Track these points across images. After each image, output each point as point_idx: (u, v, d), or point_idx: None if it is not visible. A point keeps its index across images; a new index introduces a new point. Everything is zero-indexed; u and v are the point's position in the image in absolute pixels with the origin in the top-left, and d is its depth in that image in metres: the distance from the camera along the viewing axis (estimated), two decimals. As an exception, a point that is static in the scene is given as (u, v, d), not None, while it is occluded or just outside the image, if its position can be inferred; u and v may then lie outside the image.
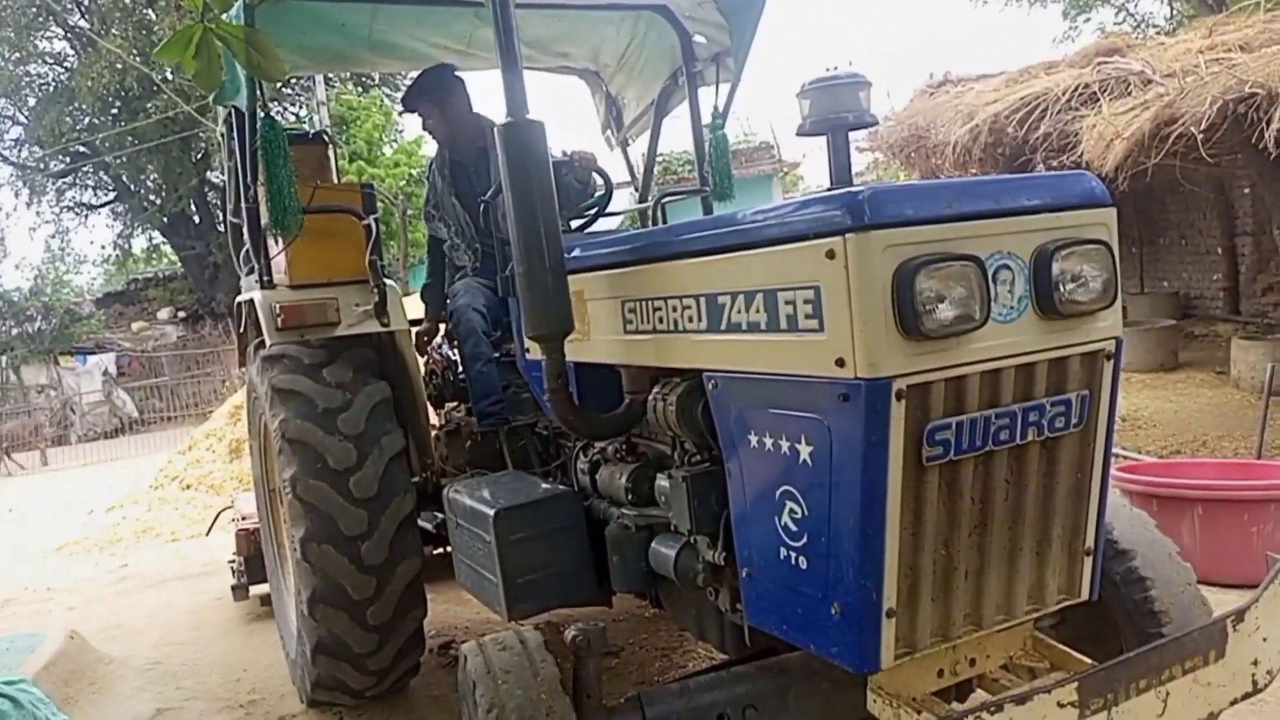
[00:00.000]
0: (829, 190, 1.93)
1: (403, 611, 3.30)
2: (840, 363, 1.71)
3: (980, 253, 1.73)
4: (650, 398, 2.39)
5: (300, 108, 19.59)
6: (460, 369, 3.93)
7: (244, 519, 5.12)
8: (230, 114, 3.92)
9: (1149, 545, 2.45)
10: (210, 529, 6.91)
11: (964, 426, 1.76)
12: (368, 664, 3.31)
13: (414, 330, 4.09)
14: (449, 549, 3.34)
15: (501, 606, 2.66)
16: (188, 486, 9.04)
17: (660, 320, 2.25)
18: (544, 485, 2.95)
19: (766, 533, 1.99)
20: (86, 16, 18.89)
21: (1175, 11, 17.73)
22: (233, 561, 5.17)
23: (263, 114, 3.37)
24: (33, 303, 22.12)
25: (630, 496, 2.58)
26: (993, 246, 1.76)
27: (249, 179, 3.64)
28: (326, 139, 4.47)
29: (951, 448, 1.76)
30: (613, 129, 4.81)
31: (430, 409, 3.94)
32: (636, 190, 4.75)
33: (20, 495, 12.45)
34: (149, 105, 17.41)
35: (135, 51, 16.73)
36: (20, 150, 20.66)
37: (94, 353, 21.57)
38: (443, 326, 4.27)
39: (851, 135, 2.27)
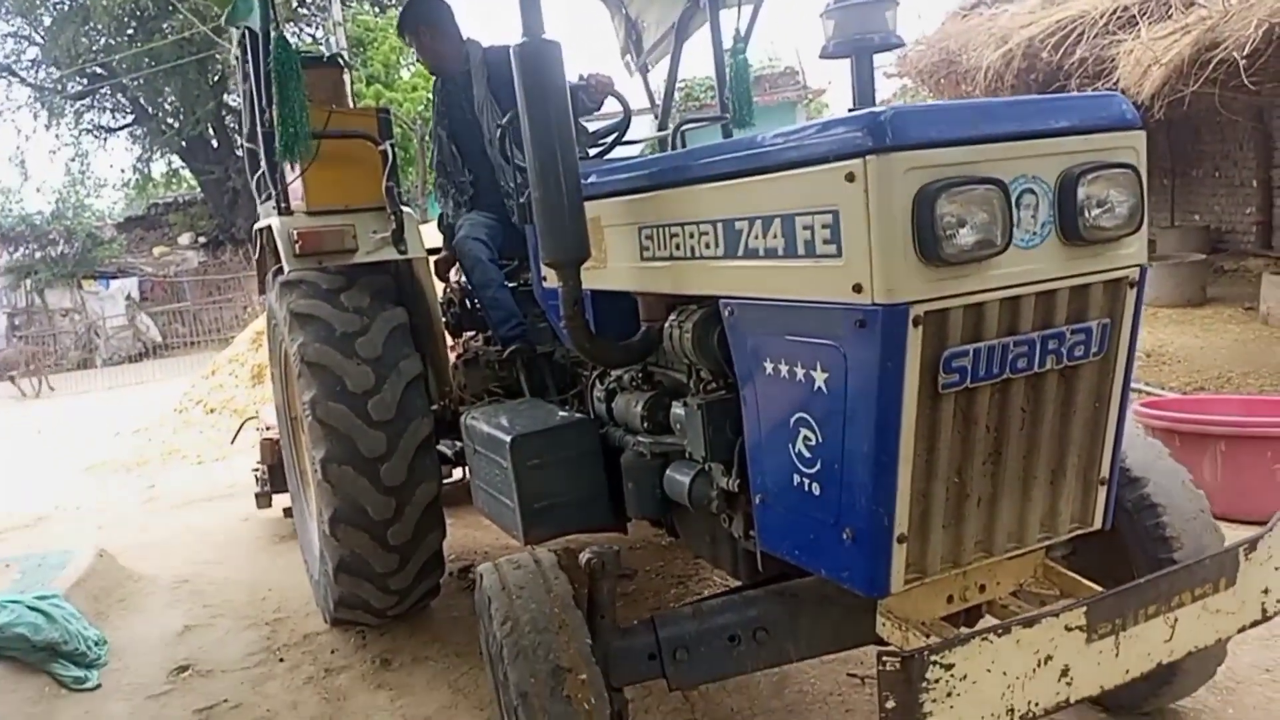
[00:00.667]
0: (851, 113, 1.86)
1: (423, 532, 3.35)
2: (858, 288, 1.69)
3: (1004, 176, 1.70)
4: (666, 325, 2.39)
5: (317, 29, 19.28)
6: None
7: (268, 429, 5.21)
8: (244, 35, 3.87)
9: (1162, 473, 2.44)
10: (235, 438, 6.98)
11: (981, 354, 1.75)
12: (389, 583, 3.37)
13: (432, 259, 4.08)
14: (467, 475, 3.38)
15: (518, 531, 2.71)
16: (211, 410, 9.15)
17: (677, 246, 2.23)
18: (561, 413, 2.97)
19: (780, 459, 2.00)
20: (100, -67, 18.56)
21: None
22: (256, 470, 5.28)
23: (276, 34, 3.32)
24: (55, 226, 22.19)
25: (645, 424, 2.59)
26: (1017, 170, 1.72)
27: (264, 103, 3.58)
28: (342, 62, 4.40)
29: (968, 375, 1.75)
30: (632, 54, 4.72)
31: (449, 337, 3.96)
32: (656, 117, 4.67)
33: (49, 417, 12.67)
34: (165, 25, 17.20)
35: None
36: (37, 71, 20.50)
37: (116, 277, 21.71)
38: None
39: (878, 60, 2.20)
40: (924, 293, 1.67)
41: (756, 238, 1.94)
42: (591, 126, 3.86)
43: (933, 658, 1.59)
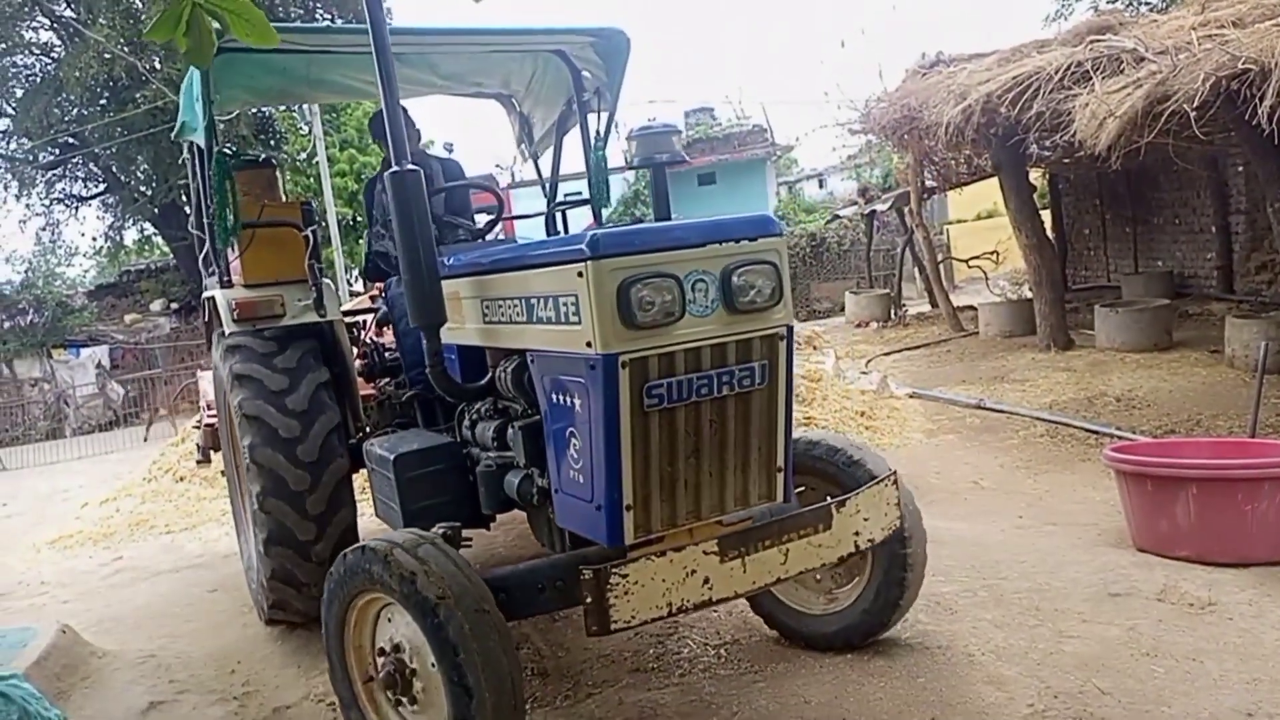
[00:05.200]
0: (590, 229, 2.87)
1: (341, 549, 3.89)
2: (589, 344, 2.55)
3: (679, 272, 2.57)
4: (499, 370, 3.25)
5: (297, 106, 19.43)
6: (388, 350, 4.76)
7: (209, 409, 6.10)
8: (191, 145, 4.70)
9: (858, 443, 3.58)
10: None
11: (673, 385, 2.61)
12: (311, 591, 4.00)
13: (347, 320, 4.92)
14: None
15: (401, 527, 3.32)
16: (181, 479, 9.01)
17: (502, 314, 3.11)
18: (436, 438, 3.80)
19: (563, 461, 2.86)
20: (73, 6, 18.65)
21: (1168, -11, 17.62)
22: (199, 443, 6.52)
23: (216, 150, 4.08)
24: (24, 296, 21.97)
25: (495, 443, 3.39)
26: (690, 267, 2.60)
27: (207, 199, 4.36)
28: (274, 163, 5.29)
29: (665, 399, 2.60)
30: (525, 143, 5.70)
31: (364, 383, 4.77)
32: (545, 193, 5.56)
33: (14, 489, 12.41)
34: (137, 95, 17.21)
35: (123, 41, 16.55)
36: (9, 142, 20.43)
37: (87, 345, 21.46)
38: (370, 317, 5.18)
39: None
40: (627, 346, 2.53)
41: (542, 309, 2.81)
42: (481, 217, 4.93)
43: (613, 569, 2.50)
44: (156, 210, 19.86)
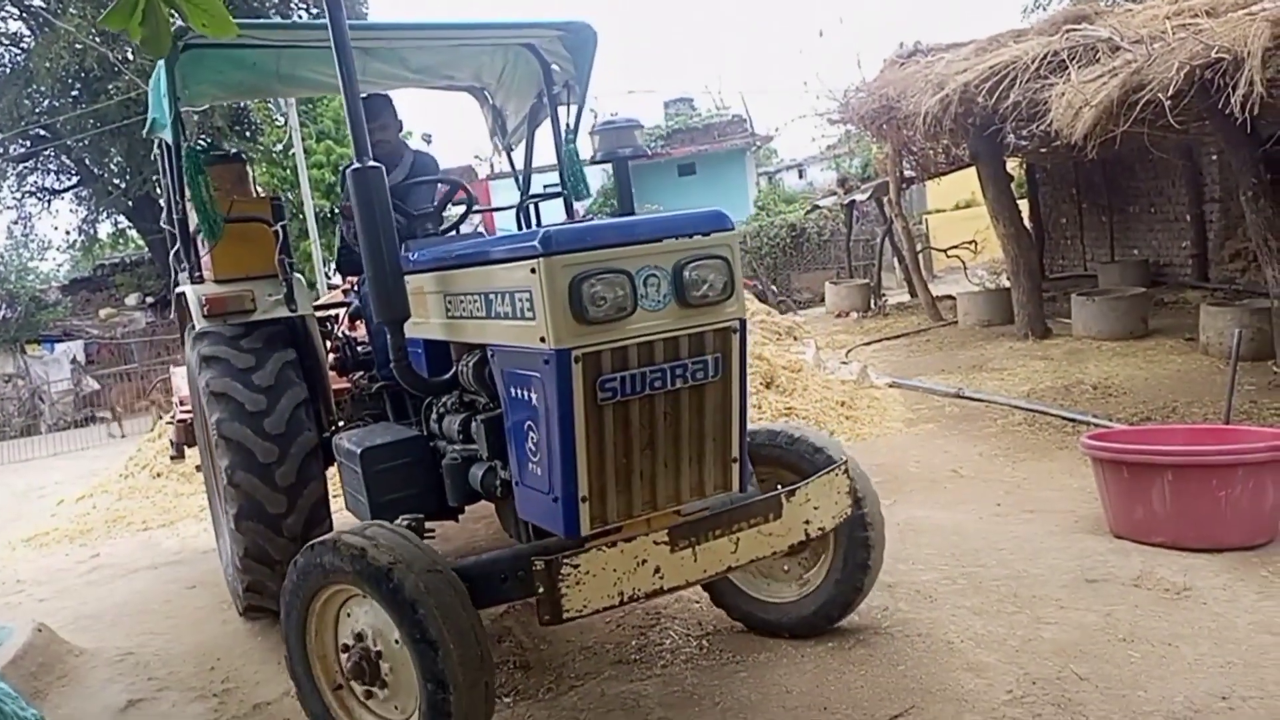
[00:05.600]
0: (561, 223, 3.08)
1: (313, 524, 4.06)
2: (543, 339, 2.60)
3: (630, 268, 2.61)
4: (461, 364, 3.26)
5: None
6: (359, 346, 4.79)
7: (183, 405, 6.02)
8: (160, 141, 4.69)
9: (810, 431, 3.64)
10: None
11: (626, 379, 2.64)
12: (283, 568, 3.93)
13: (320, 314, 4.94)
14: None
15: (369, 519, 3.30)
16: (158, 475, 8.92)
17: (463, 309, 3.14)
18: (403, 431, 3.83)
19: (522, 454, 2.90)
20: (42, -4, 18.39)
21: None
22: (172, 439, 6.39)
23: (186, 147, 4.12)
24: (-4, 290, 21.69)
25: (460, 436, 3.40)
26: (641, 263, 2.64)
27: (178, 195, 4.45)
28: (244, 158, 5.19)
29: (618, 393, 2.63)
30: (499, 136, 5.72)
31: (338, 376, 4.73)
32: (519, 185, 5.54)
33: (-11, 486, 12.25)
34: (110, 87, 16.96)
35: (94, 31, 16.30)
36: (-22, 135, 20.15)
37: (61, 340, 21.22)
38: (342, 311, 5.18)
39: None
40: (580, 341, 2.57)
41: (500, 304, 2.85)
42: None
43: (564, 560, 2.54)
44: (130, 203, 19.61)
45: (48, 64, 16.76)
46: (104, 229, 22.74)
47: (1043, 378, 8.51)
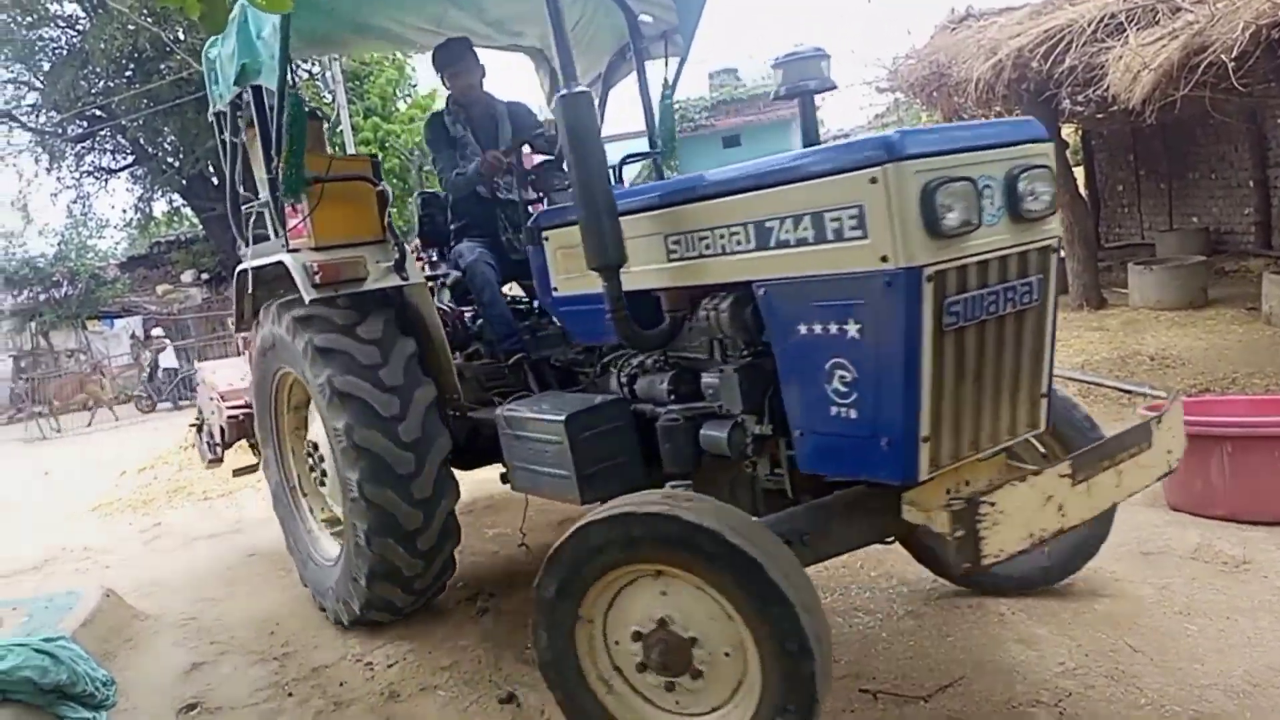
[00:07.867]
0: (843, 139, 2.45)
1: (446, 537, 3.83)
2: (884, 259, 2.28)
3: (973, 175, 2.33)
4: (702, 309, 2.92)
5: (313, 64, 19.41)
6: (470, 317, 4.46)
7: (223, 398, 5.74)
8: (246, 92, 4.16)
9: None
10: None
11: (968, 301, 2.37)
12: (414, 584, 3.87)
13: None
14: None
15: (576, 494, 3.14)
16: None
17: (707, 247, 2.77)
18: (590, 397, 3.40)
19: (818, 398, 2.53)
20: (96, -22, 18.73)
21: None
22: (209, 440, 6.05)
23: (291, 93, 3.71)
24: (58, 268, 22.29)
25: (672, 396, 3.12)
26: (980, 171, 2.35)
27: (274, 151, 3.92)
28: (320, 115, 4.81)
29: (960, 318, 2.35)
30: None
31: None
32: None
33: (57, 458, 12.69)
34: (162, 66, 17.29)
35: (146, 12, 16.59)
36: (37, 116, 20.61)
37: (120, 316, 21.78)
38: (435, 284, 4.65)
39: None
40: (932, 258, 2.27)
41: (787, 231, 2.51)
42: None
43: (983, 499, 2.22)
44: (184, 181, 19.99)
45: (102, 45, 17.11)
46: (159, 207, 23.21)
47: (1098, 348, 8.34)
